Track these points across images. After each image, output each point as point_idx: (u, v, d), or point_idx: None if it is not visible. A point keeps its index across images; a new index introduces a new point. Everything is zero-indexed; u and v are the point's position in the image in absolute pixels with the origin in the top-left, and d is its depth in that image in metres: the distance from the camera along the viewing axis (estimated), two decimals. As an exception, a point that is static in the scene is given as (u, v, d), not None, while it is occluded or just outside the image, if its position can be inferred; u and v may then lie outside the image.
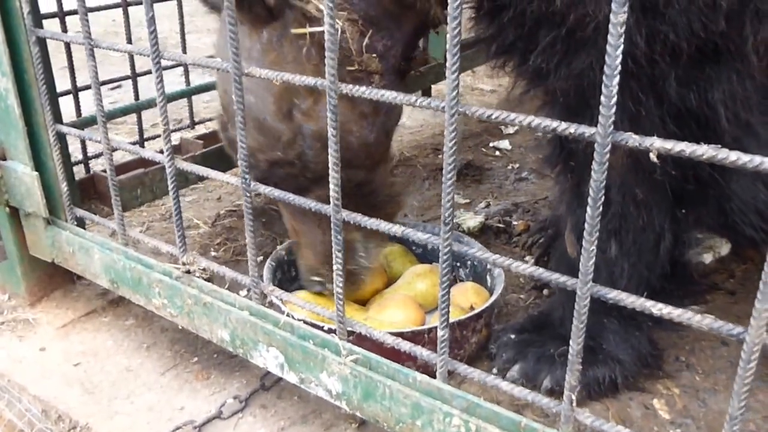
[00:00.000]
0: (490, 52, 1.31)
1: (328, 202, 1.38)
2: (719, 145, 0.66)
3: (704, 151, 0.65)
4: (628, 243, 1.35)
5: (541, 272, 0.84)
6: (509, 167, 2.62)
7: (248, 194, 1.12)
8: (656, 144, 0.67)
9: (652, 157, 0.68)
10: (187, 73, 2.17)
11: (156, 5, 1.13)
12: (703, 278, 1.68)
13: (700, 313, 1.55)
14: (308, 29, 1.28)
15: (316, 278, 1.56)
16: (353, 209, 1.28)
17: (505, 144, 2.81)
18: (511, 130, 2.99)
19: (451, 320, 1.40)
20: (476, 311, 1.46)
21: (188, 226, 2.14)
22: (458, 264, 1.76)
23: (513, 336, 1.49)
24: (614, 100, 0.68)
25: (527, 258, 1.91)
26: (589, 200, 0.73)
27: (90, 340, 1.63)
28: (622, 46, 0.66)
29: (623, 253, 1.36)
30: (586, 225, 0.75)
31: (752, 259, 1.63)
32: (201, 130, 2.42)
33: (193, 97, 2.24)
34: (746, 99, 1.17)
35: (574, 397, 0.87)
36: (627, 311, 1.40)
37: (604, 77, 0.67)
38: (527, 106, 1.35)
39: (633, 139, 0.69)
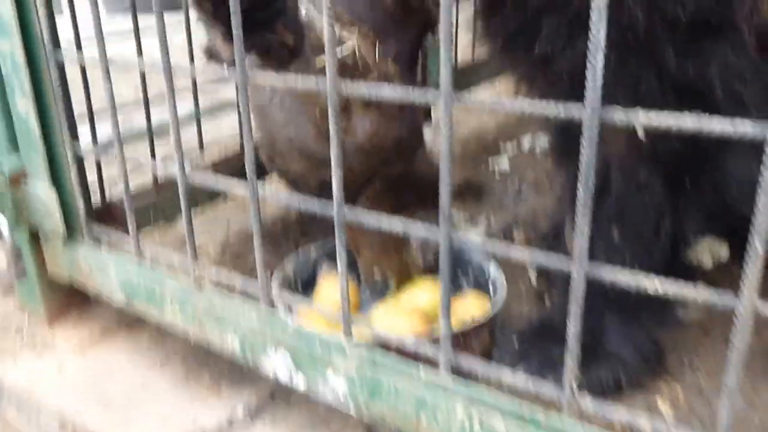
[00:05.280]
0: (496, 45, 1.33)
1: (380, 199, 1.56)
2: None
3: (688, 120, 0.65)
4: (629, 226, 1.34)
5: (537, 256, 0.83)
6: (508, 185, 2.61)
7: (256, 201, 1.12)
8: (642, 118, 0.67)
9: (640, 133, 0.68)
10: (195, 95, 2.17)
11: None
12: (703, 278, 1.67)
13: (701, 312, 1.56)
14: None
15: (377, 273, 1.68)
16: (405, 198, 1.56)
17: (503, 162, 2.79)
18: (509, 147, 2.98)
19: (455, 330, 1.40)
20: (480, 320, 1.45)
21: (197, 249, 2.12)
22: (461, 274, 1.74)
23: (516, 342, 1.47)
24: (600, 80, 0.68)
25: (529, 270, 1.90)
26: (580, 177, 0.72)
27: (106, 357, 1.62)
28: (605, 24, 0.66)
29: (624, 238, 1.35)
30: (578, 206, 0.74)
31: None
32: (210, 151, 2.40)
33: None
34: (739, 72, 1.18)
35: (575, 383, 0.86)
36: (628, 309, 1.40)
37: (588, 56, 0.67)
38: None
39: (620, 115, 0.68)
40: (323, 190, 1.47)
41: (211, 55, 1.50)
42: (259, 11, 1.16)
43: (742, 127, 0.62)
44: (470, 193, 2.50)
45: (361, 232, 1.62)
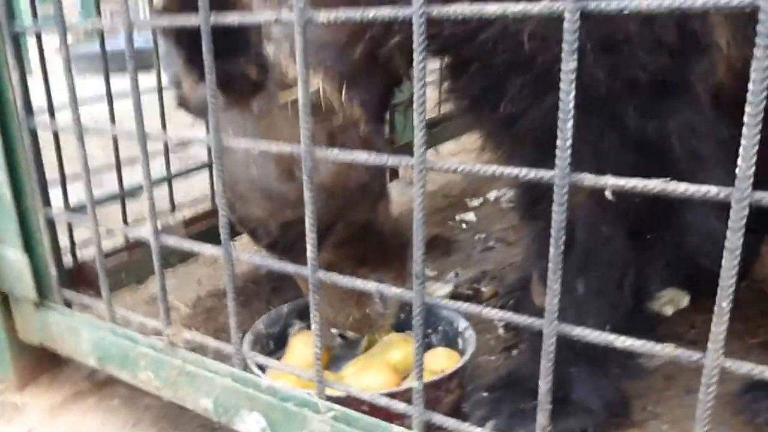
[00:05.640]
0: (462, 105, 1.34)
1: (343, 247, 1.50)
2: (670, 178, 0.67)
3: (655, 184, 0.66)
4: (594, 280, 1.34)
5: (509, 315, 0.84)
6: (476, 238, 2.62)
7: (230, 263, 1.10)
8: (611, 182, 0.68)
9: (608, 194, 0.69)
10: (167, 157, 2.17)
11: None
12: (665, 329, 1.68)
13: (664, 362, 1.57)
14: (294, 94, 1.31)
15: (333, 330, 1.61)
16: (368, 251, 1.50)
17: (470, 216, 2.82)
18: (476, 202, 3.01)
19: (426, 381, 1.39)
20: (449, 372, 1.44)
21: (170, 308, 2.10)
22: (430, 330, 1.74)
23: (485, 394, 1.46)
24: (569, 143, 0.69)
25: (497, 322, 1.89)
26: (552, 240, 0.73)
27: (77, 421, 1.58)
28: (573, 92, 0.67)
29: (590, 292, 1.34)
30: (549, 264, 0.75)
31: (709, 309, 1.64)
32: (182, 210, 2.39)
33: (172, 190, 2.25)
34: (696, 129, 1.20)
35: (548, 437, 0.86)
36: (594, 359, 1.40)
37: (558, 122, 0.69)
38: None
39: (589, 179, 0.69)
40: (284, 235, 1.44)
41: (181, 101, 1.49)
42: (222, 41, 1.15)
43: (707, 190, 0.63)
44: (438, 247, 2.51)
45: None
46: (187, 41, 1.17)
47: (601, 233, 1.30)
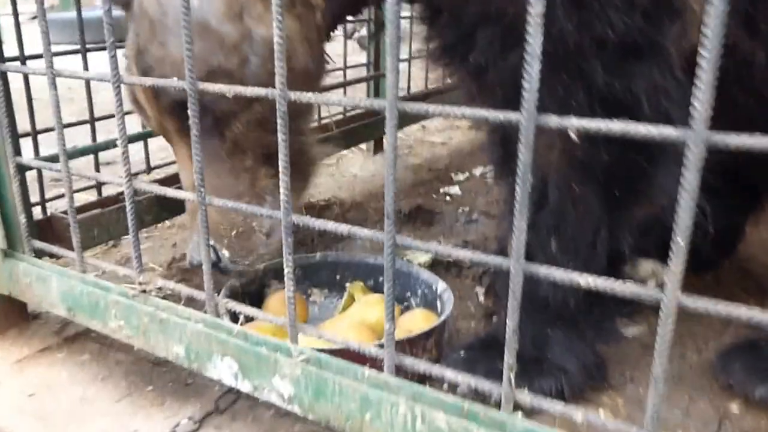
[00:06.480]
0: (435, 56, 1.39)
1: (255, 126, 1.45)
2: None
3: (619, 126, 0.72)
4: (567, 238, 1.40)
5: (479, 256, 0.89)
6: (459, 211, 2.69)
7: (203, 207, 1.15)
8: (575, 123, 0.74)
9: (572, 135, 0.75)
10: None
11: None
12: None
13: (641, 328, 1.63)
14: None
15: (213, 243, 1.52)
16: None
17: (455, 189, 2.89)
18: (461, 176, 3.08)
19: (402, 337, 1.45)
20: (427, 329, 1.50)
21: (143, 270, 2.14)
22: (409, 293, 1.80)
23: (462, 353, 1.52)
24: (536, 84, 0.75)
25: (477, 289, 1.96)
26: (517, 179, 0.78)
27: (45, 374, 1.62)
28: (541, 33, 0.73)
29: (562, 249, 1.41)
30: (515, 204, 0.80)
31: (692, 284, 1.71)
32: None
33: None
34: (666, 91, 1.26)
35: (512, 378, 0.92)
36: (570, 322, 1.46)
37: (525, 64, 0.74)
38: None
39: (554, 120, 0.75)
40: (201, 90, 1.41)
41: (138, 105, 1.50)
42: None
43: (665, 131, 0.69)
44: (421, 218, 2.57)
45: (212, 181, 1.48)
46: None
47: (572, 192, 1.36)
